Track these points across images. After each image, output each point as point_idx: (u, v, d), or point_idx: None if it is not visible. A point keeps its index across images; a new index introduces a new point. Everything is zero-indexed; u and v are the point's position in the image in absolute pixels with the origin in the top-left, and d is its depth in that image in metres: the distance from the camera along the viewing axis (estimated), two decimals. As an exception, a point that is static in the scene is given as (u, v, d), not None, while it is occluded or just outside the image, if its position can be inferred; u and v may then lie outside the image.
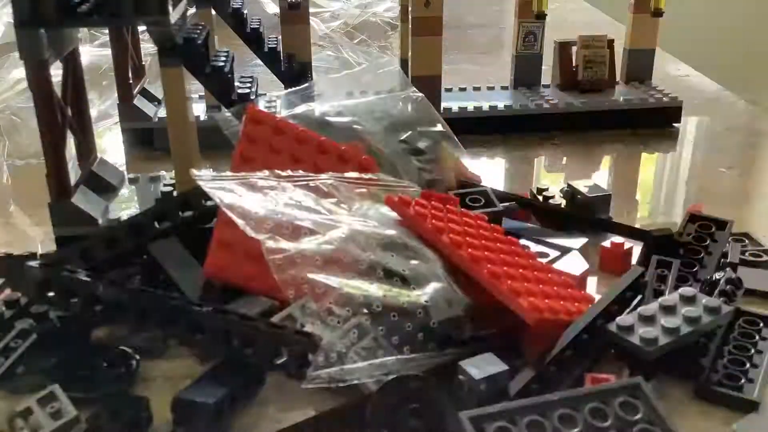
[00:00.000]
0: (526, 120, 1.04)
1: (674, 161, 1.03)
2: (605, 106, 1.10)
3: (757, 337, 0.60)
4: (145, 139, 1.04)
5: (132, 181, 0.84)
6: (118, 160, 1.00)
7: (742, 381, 0.55)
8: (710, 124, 1.15)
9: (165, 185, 0.79)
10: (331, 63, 1.42)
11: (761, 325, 0.61)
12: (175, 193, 0.72)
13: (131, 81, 1.02)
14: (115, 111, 1.04)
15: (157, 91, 1.10)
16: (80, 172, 0.78)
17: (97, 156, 0.81)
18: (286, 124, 0.60)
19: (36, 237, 0.83)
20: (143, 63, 1.09)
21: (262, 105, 0.77)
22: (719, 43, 1.93)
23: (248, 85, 0.74)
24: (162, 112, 1.05)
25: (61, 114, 0.71)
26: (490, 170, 0.99)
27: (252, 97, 0.73)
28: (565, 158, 1.00)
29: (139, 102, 1.04)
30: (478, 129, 1.08)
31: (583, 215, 0.77)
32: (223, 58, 0.73)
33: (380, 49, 1.48)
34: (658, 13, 1.12)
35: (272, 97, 0.81)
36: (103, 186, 0.79)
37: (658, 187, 0.93)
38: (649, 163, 1.01)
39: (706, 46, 1.77)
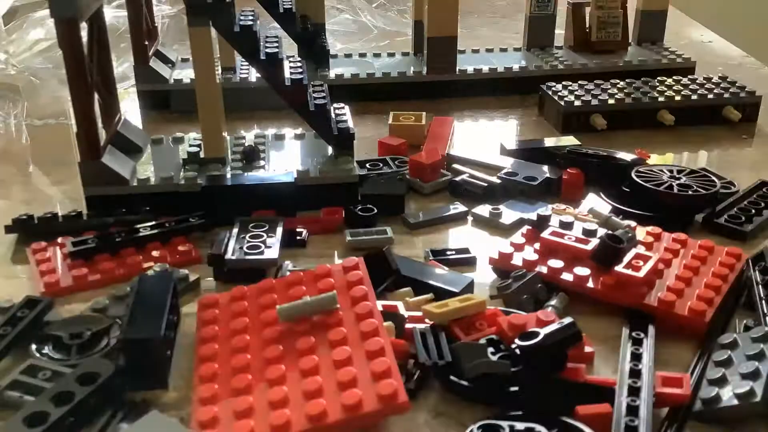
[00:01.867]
0: (540, 81, 1.04)
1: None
2: (620, 66, 1.10)
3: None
4: (160, 101, 1.04)
5: (155, 142, 0.84)
6: (135, 122, 1.00)
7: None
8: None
9: (191, 146, 0.79)
10: (349, 27, 1.42)
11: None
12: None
13: (146, 43, 1.02)
14: (133, 73, 1.04)
15: (171, 54, 1.11)
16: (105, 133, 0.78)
17: (121, 116, 0.81)
18: (241, 290, 0.60)
19: (54, 196, 0.83)
20: (155, 25, 1.09)
21: (286, 67, 0.77)
22: (747, 7, 1.91)
23: (275, 45, 0.74)
24: (177, 74, 1.06)
25: (89, 73, 0.71)
26: (508, 131, 1.00)
27: (280, 57, 0.73)
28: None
29: (155, 64, 1.04)
30: (493, 90, 1.09)
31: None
32: (251, 17, 0.73)
33: (399, 14, 1.47)
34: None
35: (296, 60, 0.81)
36: (128, 146, 0.79)
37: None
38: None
39: (734, 12, 1.76)
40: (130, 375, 0.52)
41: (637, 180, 0.76)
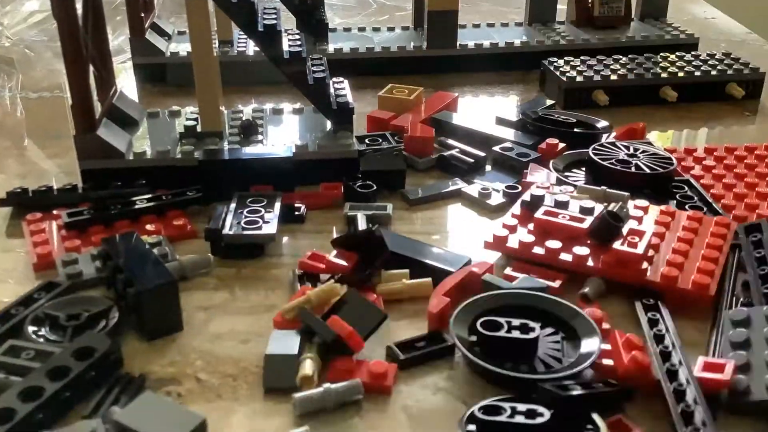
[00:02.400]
0: (542, 56, 1.03)
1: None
2: (622, 42, 1.09)
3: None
4: (157, 75, 1.03)
5: (152, 115, 0.83)
6: (131, 95, 0.99)
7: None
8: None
9: (188, 120, 0.78)
10: (348, 1, 1.40)
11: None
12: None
13: (142, 15, 1.01)
14: (129, 47, 1.03)
15: (167, 27, 1.09)
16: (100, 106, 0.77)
17: (117, 89, 0.80)
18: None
19: (50, 170, 0.82)
20: (152, -3, 1.08)
21: (285, 40, 0.75)
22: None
23: (273, 17, 0.73)
24: (173, 47, 1.04)
25: (84, 45, 0.69)
26: (509, 107, 0.98)
27: (278, 29, 0.72)
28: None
29: (151, 37, 1.03)
30: (495, 66, 1.08)
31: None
32: (248, -12, 0.71)
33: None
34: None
35: (295, 32, 0.80)
36: (124, 120, 0.78)
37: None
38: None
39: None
40: (149, 326, 0.55)
41: (593, 157, 0.75)
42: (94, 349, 0.51)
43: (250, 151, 0.74)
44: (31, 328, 0.55)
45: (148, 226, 0.68)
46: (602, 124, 0.87)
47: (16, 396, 0.47)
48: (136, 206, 0.70)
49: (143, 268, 0.56)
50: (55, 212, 0.70)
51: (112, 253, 0.59)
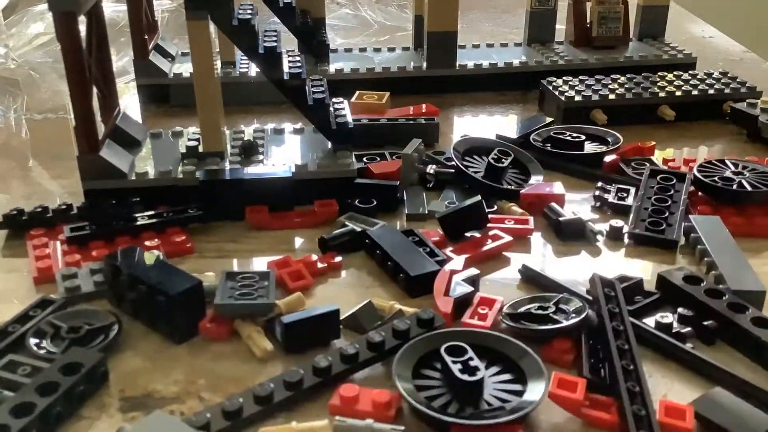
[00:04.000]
0: (541, 76, 1.04)
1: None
2: (621, 62, 1.10)
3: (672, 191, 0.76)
4: (160, 96, 1.04)
5: (154, 136, 0.84)
6: (135, 116, 1.00)
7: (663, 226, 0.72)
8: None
9: (190, 140, 0.79)
10: (349, 21, 1.42)
11: (674, 180, 0.78)
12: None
13: (146, 37, 1.02)
14: (132, 68, 1.04)
15: (171, 48, 1.10)
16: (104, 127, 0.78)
17: (120, 110, 0.81)
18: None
19: (54, 191, 0.83)
20: (155, 19, 1.09)
21: (285, 61, 0.76)
22: (748, 3, 1.91)
23: (274, 39, 0.74)
24: (177, 68, 1.05)
25: (87, 67, 0.70)
26: (508, 127, 0.99)
27: (278, 51, 0.73)
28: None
29: (155, 58, 1.04)
30: (494, 85, 1.09)
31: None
32: (249, 11, 0.73)
33: (399, 8, 1.47)
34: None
35: (295, 53, 0.81)
36: (127, 140, 0.79)
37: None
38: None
39: (735, 8, 1.76)
40: (180, 329, 0.57)
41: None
42: (81, 364, 0.52)
43: (251, 170, 0.75)
44: (33, 340, 0.56)
45: (148, 242, 0.69)
46: (611, 137, 0.89)
47: (8, 412, 0.48)
48: (138, 223, 0.71)
49: (165, 276, 0.58)
50: (57, 228, 0.71)
51: (123, 266, 0.59)
